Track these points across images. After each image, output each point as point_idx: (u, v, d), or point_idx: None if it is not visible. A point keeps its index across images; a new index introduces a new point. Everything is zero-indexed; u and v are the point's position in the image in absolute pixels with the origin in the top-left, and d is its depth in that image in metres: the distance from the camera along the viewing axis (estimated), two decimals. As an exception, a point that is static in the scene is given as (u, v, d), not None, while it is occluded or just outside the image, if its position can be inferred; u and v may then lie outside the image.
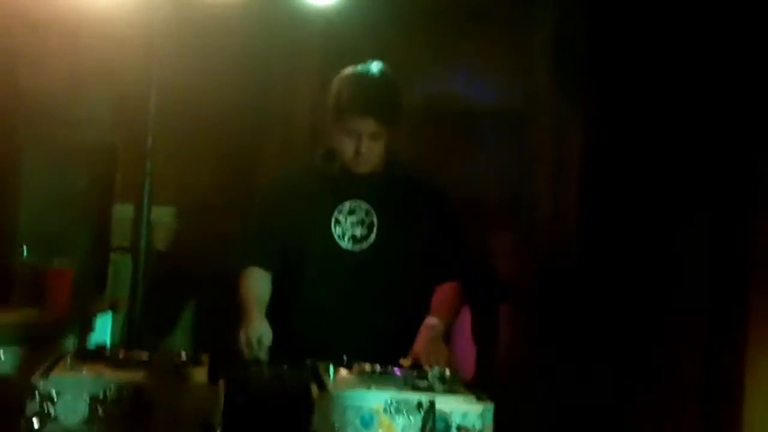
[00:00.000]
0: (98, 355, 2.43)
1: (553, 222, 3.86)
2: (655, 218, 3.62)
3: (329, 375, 2.40)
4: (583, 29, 3.79)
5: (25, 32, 3.34)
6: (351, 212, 2.96)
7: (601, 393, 3.56)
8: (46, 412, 2.14)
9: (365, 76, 2.94)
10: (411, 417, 2.25)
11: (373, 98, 2.90)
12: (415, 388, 2.34)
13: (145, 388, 2.20)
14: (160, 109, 3.65)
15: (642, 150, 3.67)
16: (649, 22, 3.63)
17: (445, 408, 2.25)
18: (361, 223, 2.96)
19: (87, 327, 3.46)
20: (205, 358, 2.47)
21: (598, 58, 3.73)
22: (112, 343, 3.50)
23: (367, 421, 2.23)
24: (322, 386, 2.31)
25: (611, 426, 3.54)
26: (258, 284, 2.94)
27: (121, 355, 2.46)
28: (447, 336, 2.90)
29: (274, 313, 2.86)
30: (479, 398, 2.31)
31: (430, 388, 2.33)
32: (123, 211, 3.73)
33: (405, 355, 2.72)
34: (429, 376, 2.38)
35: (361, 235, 2.95)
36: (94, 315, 3.51)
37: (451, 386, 2.36)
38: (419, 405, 2.25)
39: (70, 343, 3.28)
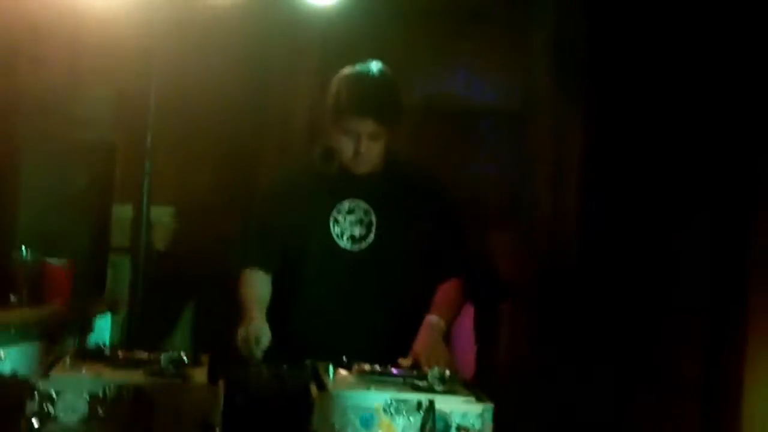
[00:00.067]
0: (98, 355, 2.43)
1: (553, 222, 3.86)
2: (655, 218, 3.62)
3: (329, 375, 2.39)
4: (583, 29, 3.79)
5: (24, 31, 3.34)
6: (350, 212, 2.96)
7: (601, 393, 3.56)
8: (45, 411, 2.14)
9: (364, 76, 2.93)
10: (411, 417, 2.25)
11: (372, 98, 2.89)
12: (415, 388, 2.34)
13: (145, 388, 2.20)
14: (159, 109, 3.65)
15: (642, 150, 3.67)
16: (649, 23, 3.63)
17: (445, 408, 2.25)
18: (360, 222, 2.95)
19: (86, 327, 3.46)
20: (205, 358, 2.46)
21: (598, 58, 3.73)
22: (111, 343, 3.50)
23: (367, 421, 2.23)
24: (322, 386, 2.31)
25: (611, 426, 3.53)
26: (258, 285, 2.94)
27: (120, 355, 2.46)
28: (448, 333, 2.90)
29: (273, 313, 2.86)
30: (479, 398, 2.31)
31: (429, 388, 2.33)
32: (122, 211, 3.73)
33: (405, 354, 2.72)
34: (429, 376, 2.38)
35: (360, 234, 2.95)
36: (94, 315, 3.51)
37: (450, 386, 2.36)
38: (419, 405, 2.25)
39: (69, 343, 3.28)
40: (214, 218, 3.71)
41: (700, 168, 3.52)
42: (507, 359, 3.79)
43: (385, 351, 2.69)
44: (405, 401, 2.25)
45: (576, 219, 3.80)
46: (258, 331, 2.73)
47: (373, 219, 2.95)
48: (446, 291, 2.94)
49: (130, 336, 3.57)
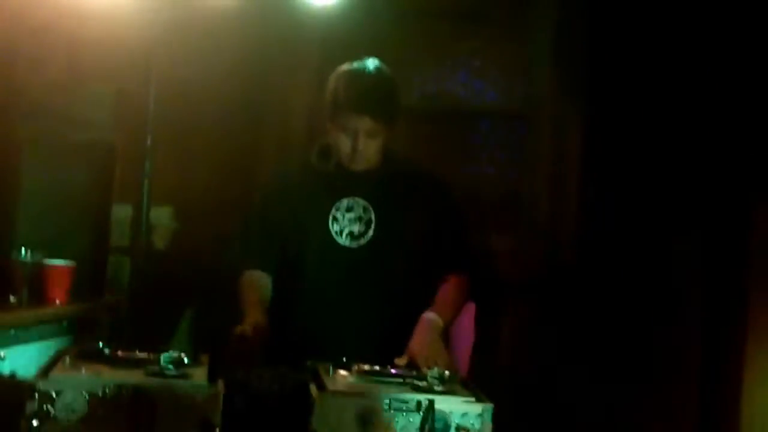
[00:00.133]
0: (98, 355, 2.42)
1: (553, 222, 3.86)
2: (655, 217, 3.62)
3: (329, 375, 2.39)
4: (583, 29, 3.79)
5: (24, 31, 3.34)
6: (349, 209, 2.96)
7: (601, 392, 3.56)
8: (45, 411, 2.14)
9: (361, 73, 2.93)
10: (410, 417, 2.24)
11: (369, 95, 2.89)
12: (415, 388, 2.34)
13: (145, 388, 2.19)
14: (159, 109, 3.65)
15: (642, 149, 3.67)
16: (649, 23, 3.64)
17: (445, 408, 2.25)
18: (359, 219, 2.95)
19: (86, 327, 3.46)
20: (205, 358, 2.46)
21: (598, 58, 3.74)
22: (111, 343, 3.49)
23: (367, 421, 2.23)
24: (322, 386, 2.31)
25: (611, 424, 3.54)
26: (257, 287, 2.94)
27: (120, 355, 2.46)
28: (447, 332, 2.88)
29: (273, 311, 2.86)
30: (478, 398, 2.31)
31: (429, 389, 2.33)
32: (122, 211, 3.73)
33: (405, 352, 2.71)
34: (428, 376, 2.38)
35: (359, 231, 2.95)
36: (93, 315, 3.50)
37: (450, 386, 2.36)
38: (419, 405, 2.25)
39: (69, 343, 3.27)
40: (214, 218, 3.71)
41: (700, 167, 3.52)
42: (507, 359, 3.79)
43: (385, 348, 2.68)
44: (405, 401, 2.25)
45: (576, 219, 3.80)
46: (257, 331, 2.72)
47: (372, 216, 2.95)
48: (446, 289, 2.93)
49: (130, 336, 3.56)
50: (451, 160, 3.92)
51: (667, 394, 3.53)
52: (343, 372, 2.45)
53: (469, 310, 3.09)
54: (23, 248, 3.21)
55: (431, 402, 2.24)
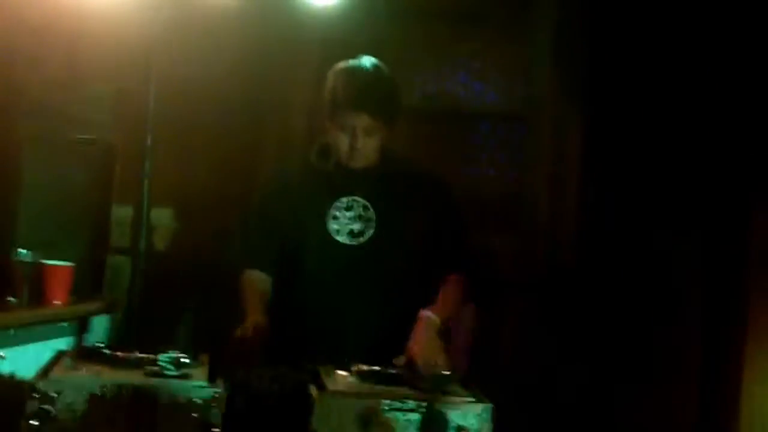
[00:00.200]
0: (97, 355, 2.43)
1: (553, 222, 3.86)
2: (655, 217, 3.62)
3: (329, 375, 2.39)
4: (583, 29, 3.79)
5: (24, 31, 3.33)
6: (348, 208, 2.96)
7: (601, 392, 3.56)
8: (45, 411, 2.14)
9: (358, 70, 2.94)
10: (410, 417, 2.24)
11: (366, 92, 2.89)
12: (414, 389, 2.34)
13: (145, 388, 2.20)
14: (159, 109, 3.65)
15: (641, 150, 3.67)
16: (649, 23, 3.64)
17: (444, 408, 2.25)
18: (359, 218, 2.95)
19: (86, 327, 3.46)
20: (205, 358, 2.46)
21: (598, 58, 3.74)
22: (111, 343, 3.49)
23: (367, 422, 2.23)
24: (322, 387, 2.31)
25: (611, 424, 3.54)
26: (258, 287, 2.94)
27: (120, 355, 2.46)
28: (448, 331, 2.88)
29: (273, 310, 2.86)
30: (478, 398, 2.31)
31: (429, 389, 2.33)
32: (122, 211, 3.73)
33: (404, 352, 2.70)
34: (427, 376, 2.38)
35: (358, 230, 2.95)
36: (93, 315, 3.51)
37: (449, 386, 2.36)
38: (418, 405, 2.25)
39: (69, 343, 3.28)
40: (214, 218, 3.71)
41: (700, 167, 3.53)
42: (507, 359, 3.79)
43: (385, 347, 2.68)
44: (404, 401, 2.25)
45: (576, 219, 3.81)
46: (258, 331, 2.72)
47: (372, 214, 2.95)
48: (445, 288, 2.93)
49: (130, 336, 3.56)
50: (451, 160, 3.93)
51: (667, 394, 3.53)
52: (343, 372, 2.45)
53: (469, 310, 3.09)
54: (23, 248, 3.21)
55: (431, 402, 2.24)
